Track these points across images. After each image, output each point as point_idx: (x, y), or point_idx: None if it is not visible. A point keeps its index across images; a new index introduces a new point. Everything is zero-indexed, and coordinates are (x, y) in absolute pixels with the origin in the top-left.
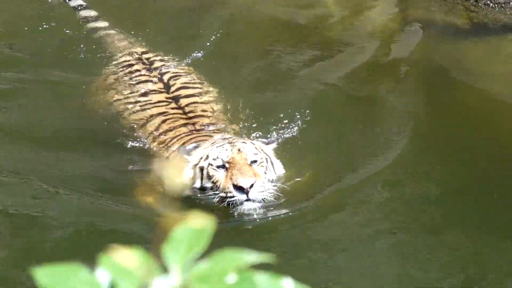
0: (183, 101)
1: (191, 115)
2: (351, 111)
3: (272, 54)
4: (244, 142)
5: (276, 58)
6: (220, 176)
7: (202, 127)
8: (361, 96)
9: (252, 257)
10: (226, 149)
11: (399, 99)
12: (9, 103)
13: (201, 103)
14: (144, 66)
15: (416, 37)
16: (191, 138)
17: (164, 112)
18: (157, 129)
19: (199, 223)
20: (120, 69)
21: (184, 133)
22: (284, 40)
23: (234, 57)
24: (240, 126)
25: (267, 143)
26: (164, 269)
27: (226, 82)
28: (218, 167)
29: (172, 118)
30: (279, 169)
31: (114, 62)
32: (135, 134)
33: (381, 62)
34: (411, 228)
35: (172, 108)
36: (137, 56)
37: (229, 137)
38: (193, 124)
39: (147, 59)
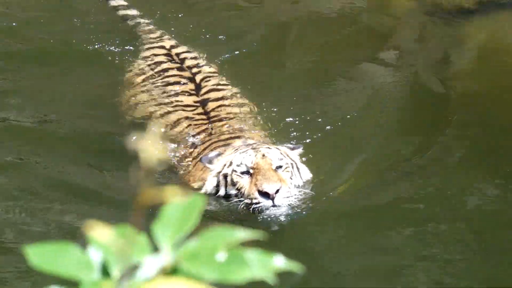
0: (211, 105)
1: (214, 119)
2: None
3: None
4: (268, 148)
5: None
6: (244, 182)
7: (225, 131)
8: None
9: (241, 234)
10: (250, 155)
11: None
12: (29, 98)
13: (228, 105)
14: (174, 66)
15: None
16: (207, 145)
17: (189, 117)
18: (182, 133)
19: (189, 201)
20: (149, 66)
21: (201, 141)
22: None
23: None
24: (268, 130)
25: (293, 148)
26: (155, 248)
27: (261, 85)
28: (243, 173)
29: (196, 123)
30: (306, 174)
31: (142, 55)
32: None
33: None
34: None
35: (199, 114)
36: (165, 51)
37: (253, 143)
38: (212, 128)
39: (177, 55)
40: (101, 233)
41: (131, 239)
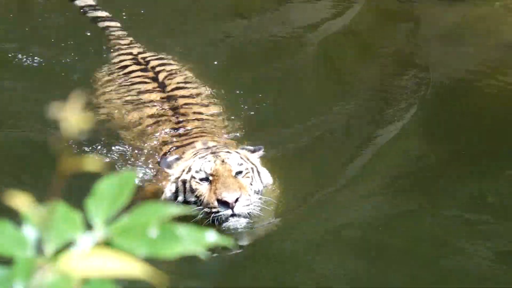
0: (178, 102)
1: (181, 118)
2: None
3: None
4: (228, 152)
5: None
6: (203, 189)
7: (187, 131)
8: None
9: (173, 210)
10: (209, 161)
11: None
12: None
13: (195, 104)
14: (139, 67)
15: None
16: (172, 144)
17: (154, 114)
18: (143, 133)
19: (121, 176)
20: (116, 70)
21: (166, 141)
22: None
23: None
24: (235, 133)
25: (253, 151)
26: (88, 224)
27: (230, 85)
28: (201, 180)
29: (161, 120)
30: (266, 178)
31: (111, 60)
32: (122, 136)
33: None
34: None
35: (164, 110)
36: (132, 56)
37: (213, 146)
38: (179, 128)
39: (143, 58)
40: (22, 203)
41: (65, 215)
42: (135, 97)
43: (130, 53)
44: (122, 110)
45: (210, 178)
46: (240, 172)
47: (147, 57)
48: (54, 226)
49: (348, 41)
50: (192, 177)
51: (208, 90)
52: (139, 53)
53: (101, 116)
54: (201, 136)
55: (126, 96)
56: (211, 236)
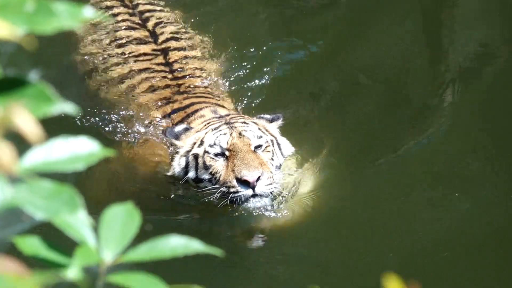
0: (172, 55)
1: (178, 75)
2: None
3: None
4: (245, 123)
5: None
6: (219, 166)
7: (188, 89)
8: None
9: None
10: (225, 133)
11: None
12: None
13: (193, 58)
14: (126, 10)
15: None
16: (172, 106)
17: (147, 68)
18: (135, 88)
19: None
20: (99, 9)
21: (165, 97)
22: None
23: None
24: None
25: (271, 120)
26: None
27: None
28: (217, 155)
29: (156, 76)
30: (287, 149)
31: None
32: (112, 96)
33: None
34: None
35: (158, 64)
36: None
37: (225, 115)
38: (178, 85)
39: (131, 1)
40: None
41: None
42: (122, 49)
43: None
44: (108, 63)
45: (227, 153)
46: (259, 146)
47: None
48: None
49: None
50: (206, 151)
51: (205, 42)
52: None
53: (85, 69)
54: (205, 97)
55: (112, 46)
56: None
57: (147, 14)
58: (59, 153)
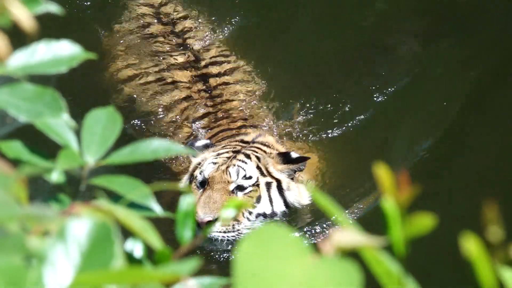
0: (212, 81)
1: (218, 100)
2: None
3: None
4: (247, 156)
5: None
6: (196, 195)
7: (227, 114)
8: None
9: None
10: (214, 163)
11: None
12: None
13: (232, 83)
14: (164, 28)
15: None
16: (214, 132)
17: (188, 97)
18: (176, 118)
19: None
20: (135, 30)
21: (204, 127)
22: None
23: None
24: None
25: (291, 161)
26: None
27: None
28: (200, 183)
29: (195, 103)
30: (296, 198)
31: (128, 15)
32: (152, 123)
33: None
34: None
35: (198, 91)
36: (154, 10)
37: (249, 141)
38: (215, 113)
39: (167, 15)
40: None
41: None
42: (161, 75)
43: (151, 5)
44: (148, 93)
45: (206, 184)
46: (242, 188)
47: (170, 14)
48: None
49: None
50: (195, 177)
51: (245, 64)
52: (162, 4)
53: (121, 98)
54: (253, 125)
55: (150, 72)
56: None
57: (186, 35)
58: (41, 56)
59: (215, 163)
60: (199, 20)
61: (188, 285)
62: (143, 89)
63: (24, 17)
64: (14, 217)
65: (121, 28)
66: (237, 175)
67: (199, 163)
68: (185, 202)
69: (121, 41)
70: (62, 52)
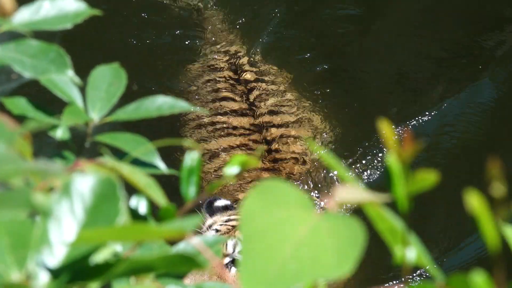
0: (270, 133)
1: (277, 156)
2: None
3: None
4: None
5: None
6: None
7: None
8: None
9: None
10: (217, 231)
11: None
12: None
13: (295, 138)
14: (231, 75)
15: None
16: None
17: (243, 145)
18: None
19: None
20: (206, 72)
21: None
22: None
23: None
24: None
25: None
26: None
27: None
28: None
29: (249, 153)
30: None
31: (203, 58)
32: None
33: None
34: None
35: (254, 141)
36: (227, 57)
37: None
38: (274, 171)
39: (241, 66)
40: None
41: None
42: (217, 118)
43: (226, 52)
44: (198, 135)
45: None
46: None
47: (243, 64)
48: None
49: None
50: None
51: (308, 113)
52: (237, 54)
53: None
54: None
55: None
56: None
57: (253, 84)
58: (46, 12)
59: (217, 231)
60: (266, 70)
61: (192, 243)
62: (196, 130)
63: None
64: (19, 171)
65: (192, 67)
66: (234, 248)
67: (210, 225)
68: (189, 158)
69: (188, 80)
70: (67, 8)
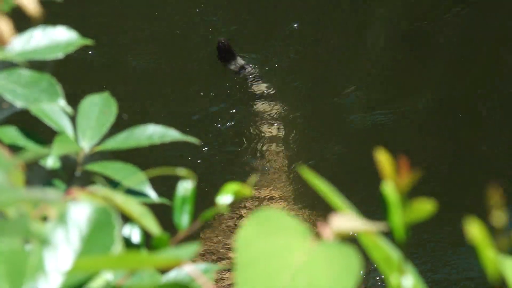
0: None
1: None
2: None
3: None
4: None
5: None
6: None
7: None
8: None
9: None
10: None
11: None
12: None
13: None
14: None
15: None
16: None
17: None
18: None
19: None
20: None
21: None
22: None
23: None
24: None
25: None
26: None
27: None
28: None
29: None
30: None
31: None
32: None
33: None
34: None
35: None
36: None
37: None
38: None
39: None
40: None
41: None
42: None
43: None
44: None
45: None
46: None
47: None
48: None
49: None
50: None
51: None
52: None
53: None
54: None
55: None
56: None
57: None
58: (37, 42)
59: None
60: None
61: (185, 270)
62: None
63: (29, 1)
64: (18, 200)
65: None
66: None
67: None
68: (182, 187)
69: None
70: (58, 38)
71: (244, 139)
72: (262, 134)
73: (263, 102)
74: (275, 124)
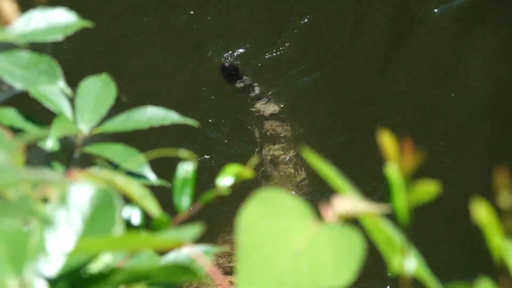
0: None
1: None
2: None
3: None
4: None
5: None
6: None
7: None
8: None
9: None
10: None
11: None
12: None
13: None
14: None
15: None
16: None
17: None
18: None
19: None
20: None
21: None
22: None
23: None
24: None
25: None
26: None
27: None
28: None
29: None
30: None
31: None
32: None
33: None
34: None
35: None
36: None
37: None
38: None
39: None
40: None
41: None
42: None
43: None
44: None
45: None
46: None
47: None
48: None
49: None
50: None
51: None
52: None
53: None
54: None
55: None
56: None
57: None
58: (36, 24)
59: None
60: None
61: (185, 251)
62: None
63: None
64: (20, 181)
65: None
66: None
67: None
68: (183, 169)
69: None
70: (57, 20)
71: (247, 137)
72: (265, 131)
73: (263, 102)
74: (278, 121)
